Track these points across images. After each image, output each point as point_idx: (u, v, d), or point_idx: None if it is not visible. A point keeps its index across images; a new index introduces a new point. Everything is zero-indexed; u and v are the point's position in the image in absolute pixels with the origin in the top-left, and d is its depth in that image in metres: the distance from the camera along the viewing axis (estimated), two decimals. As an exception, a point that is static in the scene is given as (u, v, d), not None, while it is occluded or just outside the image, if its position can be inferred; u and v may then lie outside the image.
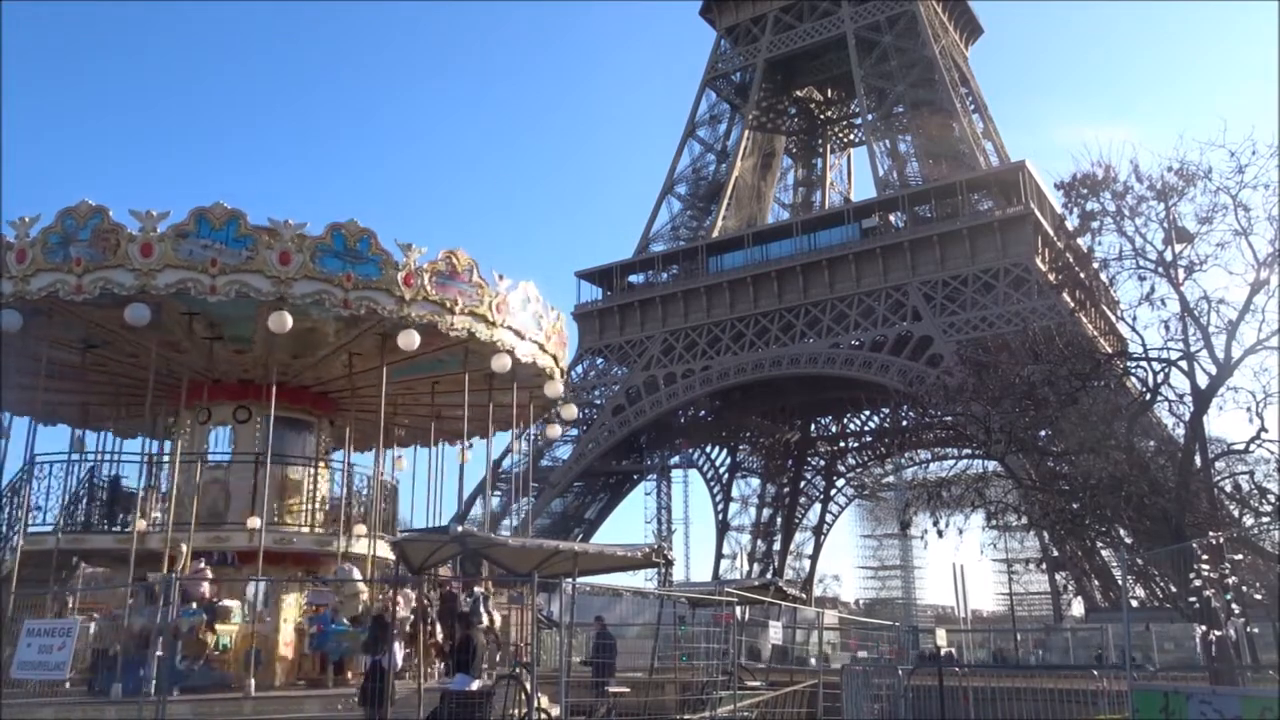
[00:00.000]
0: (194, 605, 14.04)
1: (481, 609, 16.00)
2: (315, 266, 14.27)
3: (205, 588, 14.47)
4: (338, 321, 15.42)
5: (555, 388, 19.02)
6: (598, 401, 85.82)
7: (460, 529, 14.03)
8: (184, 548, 14.70)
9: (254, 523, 15.93)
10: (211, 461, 17.70)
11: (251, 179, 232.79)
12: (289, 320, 14.19)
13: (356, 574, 15.63)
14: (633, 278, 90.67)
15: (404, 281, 14.87)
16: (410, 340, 15.01)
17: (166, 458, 17.95)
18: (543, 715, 13.38)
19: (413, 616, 14.94)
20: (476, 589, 16.53)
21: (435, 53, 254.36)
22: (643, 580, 58.89)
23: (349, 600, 15.15)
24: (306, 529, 17.51)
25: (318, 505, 17.96)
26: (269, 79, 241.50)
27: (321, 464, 18.36)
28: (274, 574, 16.19)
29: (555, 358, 18.42)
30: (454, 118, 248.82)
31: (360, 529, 16.89)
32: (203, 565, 14.95)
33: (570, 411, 21.68)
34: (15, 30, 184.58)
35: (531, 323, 17.27)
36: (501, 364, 16.54)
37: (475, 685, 13.37)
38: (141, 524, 15.66)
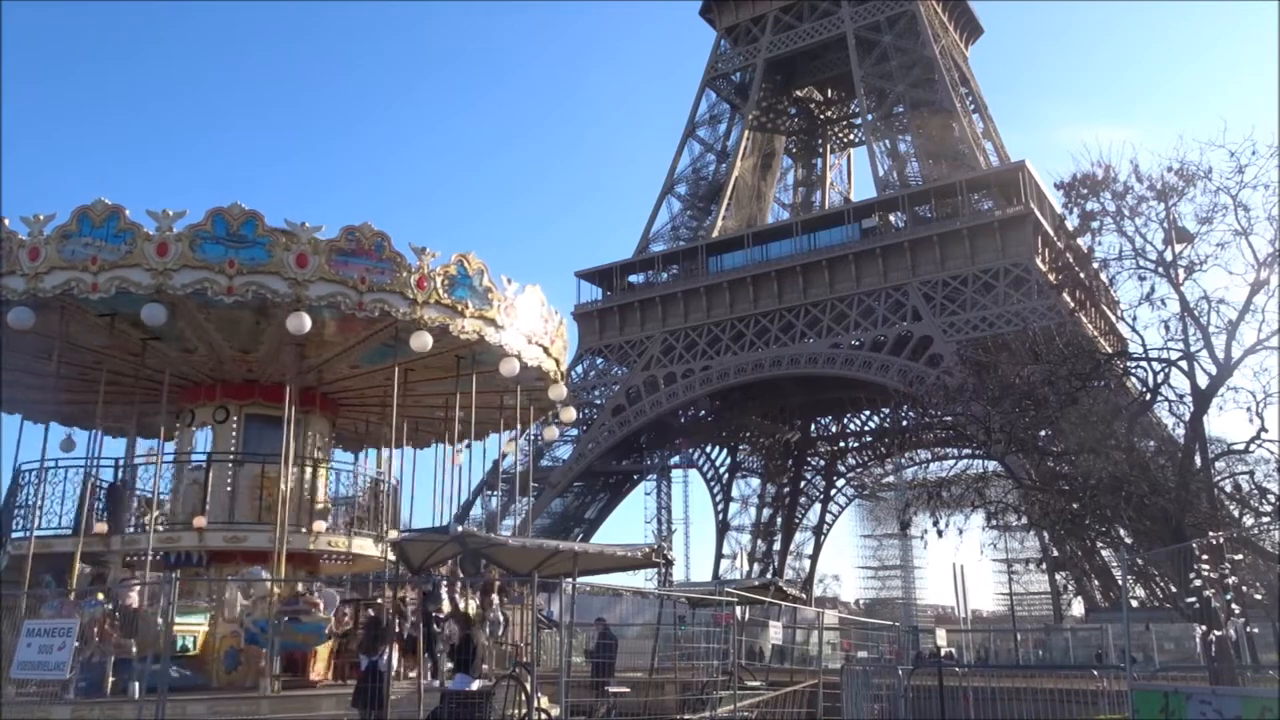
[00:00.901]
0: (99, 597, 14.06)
1: (444, 594, 15.86)
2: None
3: (134, 596, 14.46)
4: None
5: (558, 390, 19.20)
6: (598, 401, 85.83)
7: (460, 529, 14.04)
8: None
9: (200, 522, 16.10)
10: (193, 462, 17.75)
11: (250, 179, 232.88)
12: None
13: (265, 575, 15.32)
14: (633, 278, 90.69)
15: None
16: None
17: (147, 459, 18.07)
18: (543, 715, 13.39)
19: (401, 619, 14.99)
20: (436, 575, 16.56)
21: (434, 53, 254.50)
22: (643, 580, 59.01)
23: (258, 602, 14.79)
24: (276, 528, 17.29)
25: (316, 504, 17.92)
26: (267, 79, 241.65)
27: (303, 461, 18.10)
28: (238, 573, 16.09)
29: (558, 361, 18.62)
30: (454, 118, 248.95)
31: (320, 525, 16.47)
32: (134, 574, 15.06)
33: (569, 414, 21.73)
34: (14, 30, 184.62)
35: (537, 326, 17.48)
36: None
37: (475, 685, 13.39)
38: (101, 527, 15.84)
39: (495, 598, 16.44)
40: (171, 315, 14.29)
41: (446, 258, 15.57)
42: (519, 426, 19.72)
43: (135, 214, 14.18)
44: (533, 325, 17.29)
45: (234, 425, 17.63)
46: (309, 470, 17.88)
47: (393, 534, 17.36)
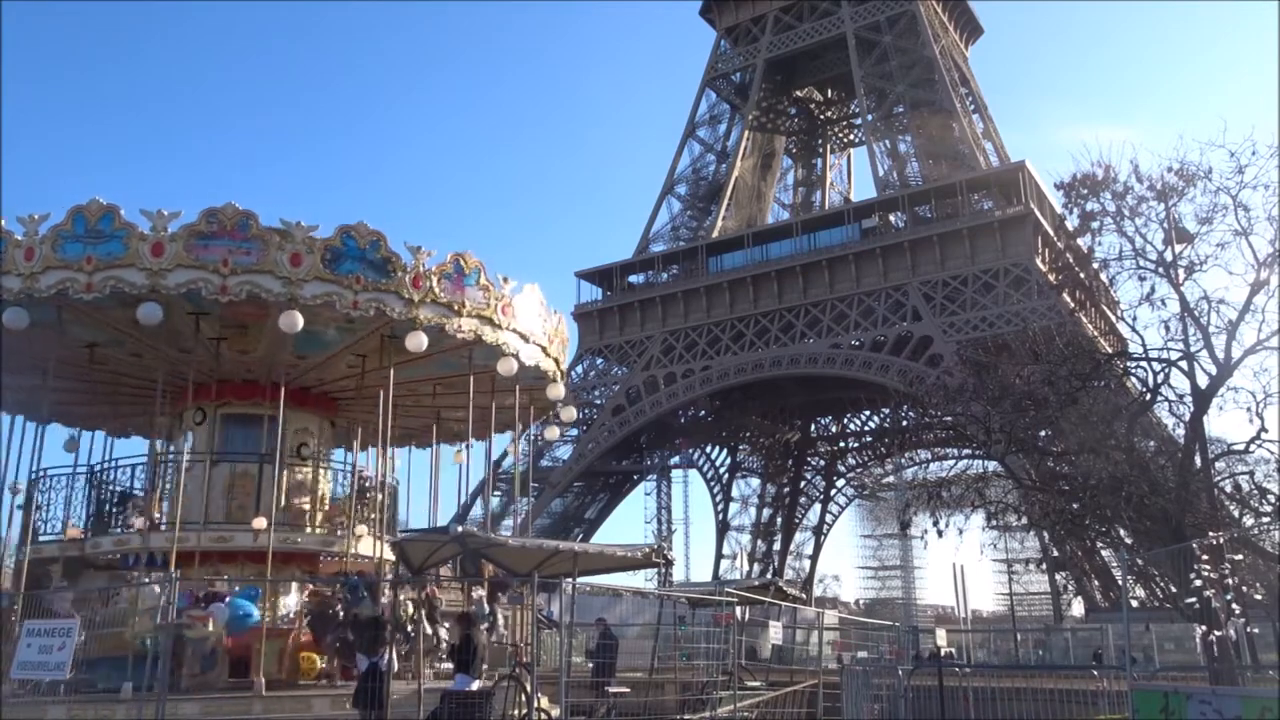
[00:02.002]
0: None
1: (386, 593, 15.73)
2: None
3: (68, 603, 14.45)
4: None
5: (557, 390, 19.13)
6: (598, 401, 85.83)
7: (460, 529, 14.03)
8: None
9: (138, 523, 16.17)
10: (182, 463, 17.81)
11: (250, 179, 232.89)
12: (299, 320, 14.22)
13: (155, 586, 15.13)
14: (633, 278, 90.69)
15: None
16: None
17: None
18: (543, 715, 13.39)
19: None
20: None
21: (434, 53, 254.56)
22: (643, 580, 59.03)
23: (141, 616, 14.51)
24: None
25: (315, 504, 17.93)
26: (267, 79, 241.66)
27: (291, 461, 18.02)
28: (208, 573, 16.03)
29: (557, 361, 18.55)
30: (453, 118, 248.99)
31: (260, 522, 16.16)
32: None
33: (570, 414, 21.70)
34: (14, 30, 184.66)
35: (536, 326, 17.41)
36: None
37: (475, 685, 13.38)
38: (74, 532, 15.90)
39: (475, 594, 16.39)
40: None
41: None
42: (519, 426, 19.69)
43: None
44: (531, 324, 17.21)
45: (209, 425, 17.71)
46: (295, 469, 17.80)
47: (360, 529, 17.27)
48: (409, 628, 15.01)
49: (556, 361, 18.52)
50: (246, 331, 15.81)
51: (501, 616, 16.44)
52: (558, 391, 19.14)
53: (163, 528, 16.15)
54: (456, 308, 15.45)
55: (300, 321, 14.22)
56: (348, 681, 14.40)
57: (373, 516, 18.11)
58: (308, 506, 17.81)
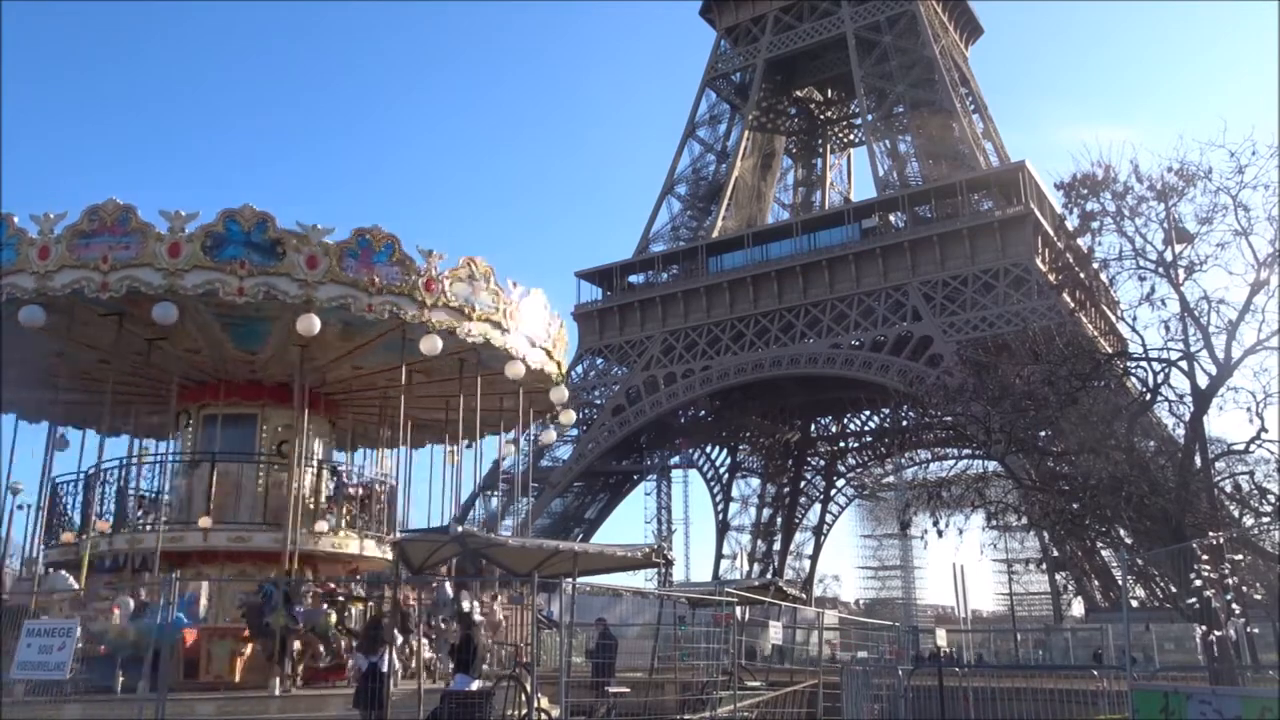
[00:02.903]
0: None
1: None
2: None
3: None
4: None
5: (560, 394, 19.36)
6: (598, 401, 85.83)
7: (460, 529, 14.03)
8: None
9: (102, 526, 16.30)
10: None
11: (250, 179, 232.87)
12: (317, 323, 14.25)
13: (72, 583, 15.03)
14: (633, 278, 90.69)
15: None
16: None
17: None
18: (543, 715, 13.38)
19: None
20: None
21: (435, 53, 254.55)
22: (643, 580, 58.96)
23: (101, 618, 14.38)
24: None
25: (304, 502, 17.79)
26: (267, 79, 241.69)
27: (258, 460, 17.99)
28: (190, 575, 16.11)
29: (559, 364, 18.78)
30: (453, 118, 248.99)
31: (205, 521, 16.12)
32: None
33: (569, 417, 21.80)
34: (14, 30, 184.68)
35: (540, 330, 17.60)
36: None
37: (475, 685, 13.38)
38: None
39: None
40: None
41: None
42: (520, 427, 19.77)
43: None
44: (536, 329, 17.43)
45: (192, 427, 17.81)
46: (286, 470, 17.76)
47: (320, 525, 17.15)
48: (332, 637, 14.82)
49: (559, 365, 18.77)
50: (180, 330, 15.56)
51: (472, 604, 16.15)
52: (561, 395, 19.33)
53: (148, 529, 16.21)
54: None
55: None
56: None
57: (349, 514, 17.89)
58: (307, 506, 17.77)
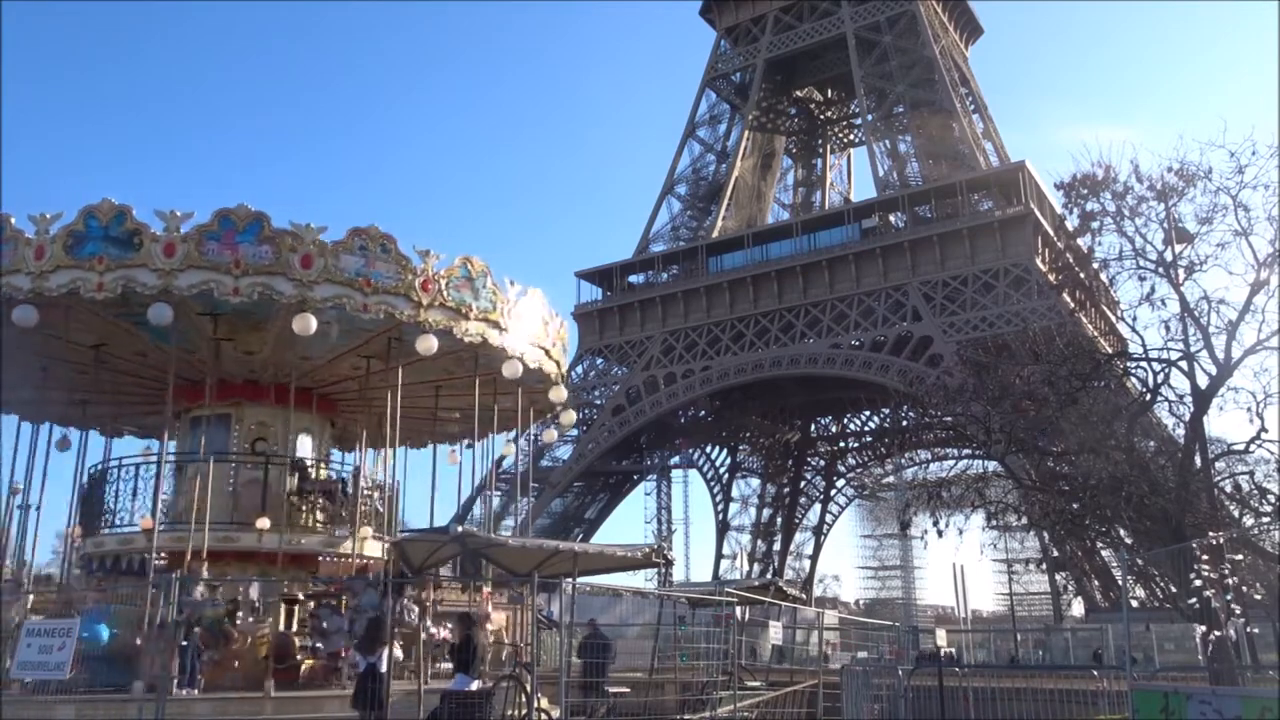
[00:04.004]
0: None
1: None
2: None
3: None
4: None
5: (559, 394, 19.30)
6: (598, 401, 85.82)
7: (460, 529, 14.01)
8: None
9: (76, 531, 16.47)
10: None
11: (250, 179, 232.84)
12: (313, 322, 14.23)
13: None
14: (633, 278, 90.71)
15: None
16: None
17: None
18: (543, 715, 13.37)
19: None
20: None
21: (435, 53, 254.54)
22: (643, 580, 58.96)
23: None
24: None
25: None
26: (267, 79, 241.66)
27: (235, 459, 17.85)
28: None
29: (559, 364, 18.72)
30: (453, 118, 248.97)
31: (143, 521, 16.08)
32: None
33: (569, 417, 21.78)
34: (14, 30, 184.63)
35: (539, 329, 17.55)
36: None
37: (475, 685, 13.38)
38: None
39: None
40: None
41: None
42: (520, 428, 19.74)
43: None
44: (534, 327, 17.37)
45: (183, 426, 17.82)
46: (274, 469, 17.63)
47: (261, 522, 16.92)
48: (216, 631, 14.49)
49: (558, 365, 18.71)
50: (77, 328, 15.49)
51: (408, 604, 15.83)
52: (560, 395, 19.28)
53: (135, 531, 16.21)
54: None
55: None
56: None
57: (321, 510, 17.74)
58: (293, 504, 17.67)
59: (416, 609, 15.29)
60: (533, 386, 18.42)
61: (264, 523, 16.42)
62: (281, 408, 17.60)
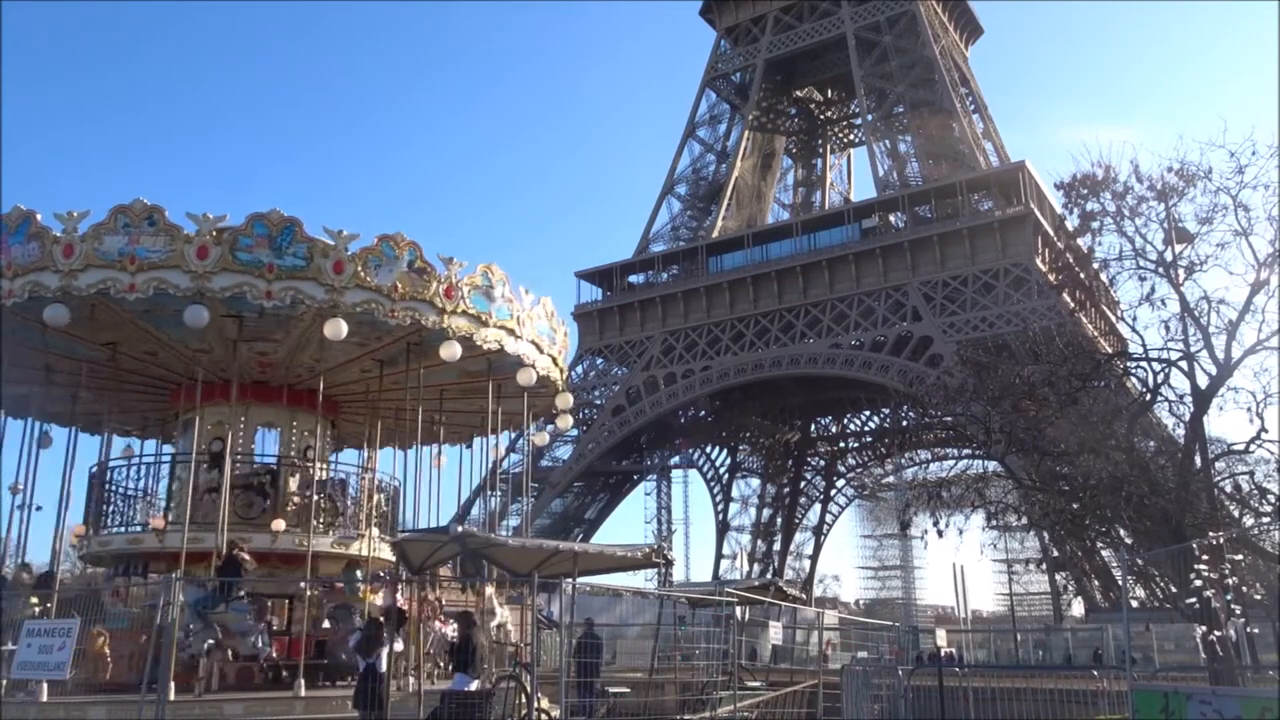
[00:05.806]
0: None
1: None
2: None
3: None
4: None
5: (566, 400, 19.69)
6: (598, 401, 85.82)
7: (460, 529, 14.01)
8: None
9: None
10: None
11: (250, 179, 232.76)
12: (344, 327, 14.30)
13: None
14: (633, 278, 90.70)
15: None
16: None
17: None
18: (543, 715, 13.37)
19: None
20: None
21: (435, 53, 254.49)
22: (643, 580, 58.98)
23: None
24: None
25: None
26: (267, 79, 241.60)
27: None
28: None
29: (562, 371, 19.05)
30: (454, 118, 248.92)
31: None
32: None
33: (566, 422, 21.89)
34: (14, 30, 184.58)
35: (547, 336, 17.82)
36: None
37: (474, 685, 13.38)
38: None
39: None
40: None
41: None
42: (525, 428, 19.94)
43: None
44: (543, 335, 17.69)
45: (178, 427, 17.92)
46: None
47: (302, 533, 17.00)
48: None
49: (562, 370, 19.05)
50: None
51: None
52: (567, 402, 19.75)
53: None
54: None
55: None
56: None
57: (292, 508, 17.66)
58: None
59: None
60: (536, 391, 18.60)
61: (279, 524, 16.58)
62: (290, 408, 17.84)
